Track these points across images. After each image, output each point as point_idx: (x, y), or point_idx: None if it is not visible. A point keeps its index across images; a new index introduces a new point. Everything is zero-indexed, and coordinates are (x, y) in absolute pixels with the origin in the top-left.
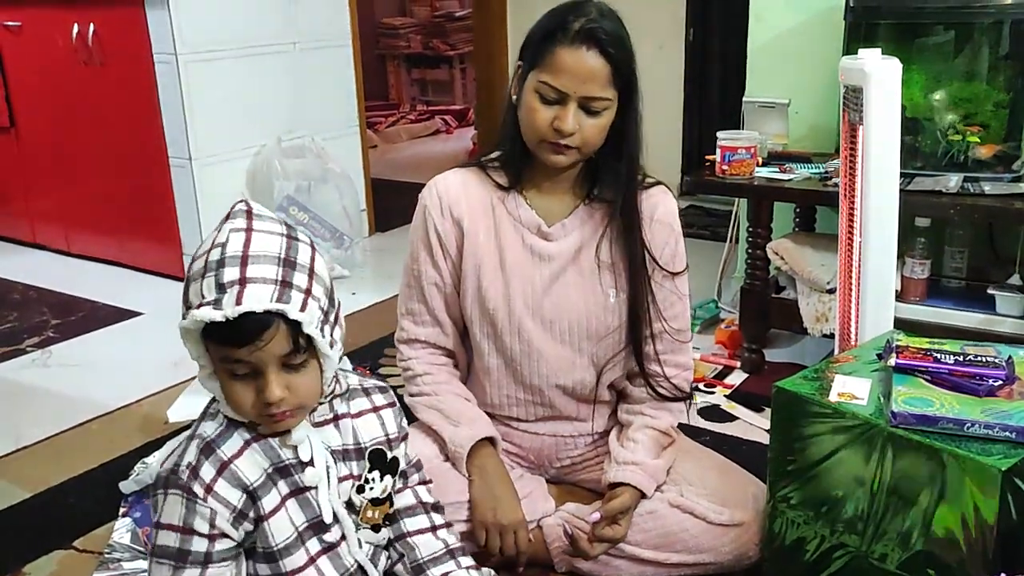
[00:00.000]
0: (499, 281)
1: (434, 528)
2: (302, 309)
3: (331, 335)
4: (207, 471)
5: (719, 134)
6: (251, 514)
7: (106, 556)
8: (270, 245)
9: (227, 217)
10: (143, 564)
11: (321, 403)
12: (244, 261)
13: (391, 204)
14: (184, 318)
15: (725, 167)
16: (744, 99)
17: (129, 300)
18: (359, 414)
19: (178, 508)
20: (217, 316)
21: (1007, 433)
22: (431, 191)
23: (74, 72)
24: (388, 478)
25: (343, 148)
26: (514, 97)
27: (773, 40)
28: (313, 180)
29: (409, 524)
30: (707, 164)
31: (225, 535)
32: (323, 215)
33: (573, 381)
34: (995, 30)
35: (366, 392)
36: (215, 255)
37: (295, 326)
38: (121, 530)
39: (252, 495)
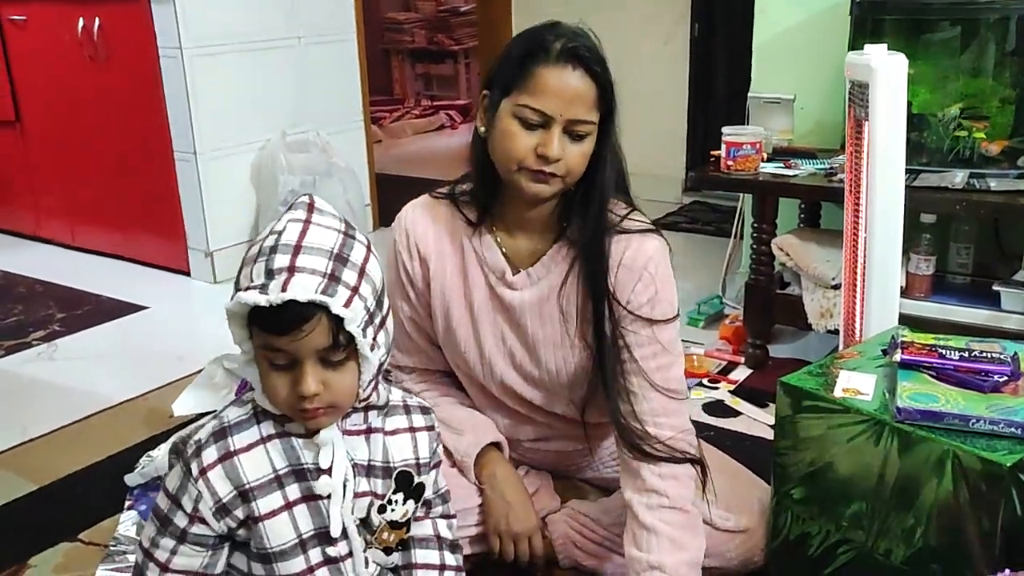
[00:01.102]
0: (467, 324)
1: (443, 567)
2: (346, 305)
3: (374, 338)
4: (209, 455)
5: (724, 129)
6: (239, 513)
7: (111, 548)
8: (325, 239)
9: (289, 208)
10: None
11: (356, 409)
12: (296, 250)
13: (395, 199)
14: (231, 299)
15: (730, 163)
16: (749, 94)
17: (134, 294)
18: (393, 432)
19: (176, 479)
20: (261, 301)
21: (1012, 429)
22: (399, 227)
23: (79, 66)
24: (411, 503)
25: (348, 143)
26: (481, 129)
27: (778, 35)
28: (318, 175)
29: (419, 555)
30: (712, 160)
31: (204, 521)
32: None
33: (557, 412)
34: (1001, 26)
35: (407, 410)
36: (270, 241)
37: (337, 322)
38: (126, 523)
39: (244, 494)
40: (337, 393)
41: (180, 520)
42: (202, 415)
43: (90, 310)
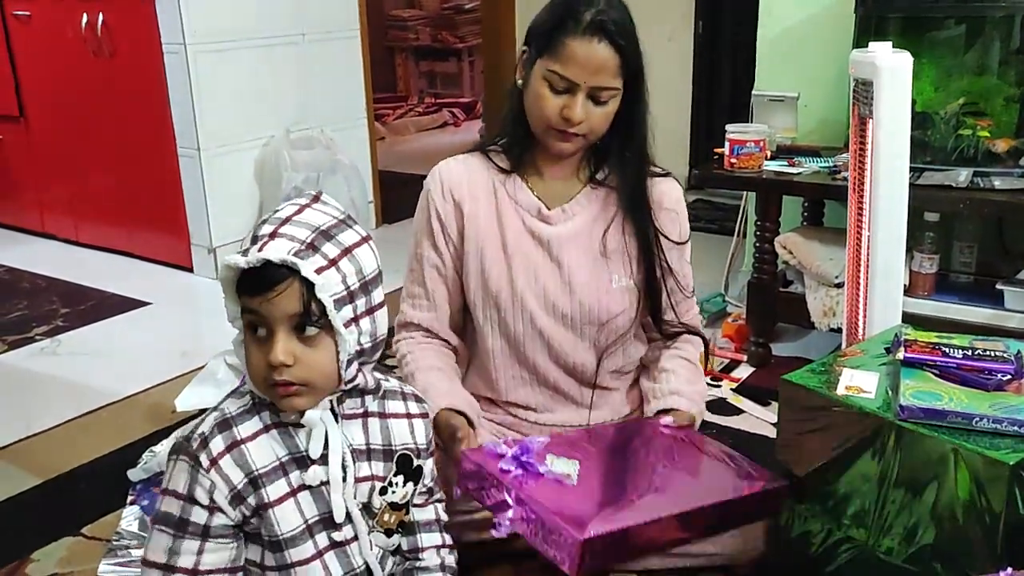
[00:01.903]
0: (501, 263)
1: (443, 546)
2: (318, 272)
3: (354, 319)
4: (217, 444)
5: (728, 127)
6: (251, 500)
7: (114, 543)
8: (316, 218)
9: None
10: None
11: (351, 394)
12: (284, 222)
13: (398, 196)
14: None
15: (734, 160)
16: (753, 92)
17: (137, 289)
18: (392, 415)
19: (184, 476)
20: (241, 262)
21: (1015, 427)
22: (434, 175)
23: (83, 62)
24: (410, 485)
25: (351, 140)
26: (519, 81)
27: (783, 33)
28: (321, 171)
29: (425, 539)
30: (715, 157)
31: (222, 511)
32: None
33: (575, 362)
34: (1006, 24)
35: (404, 397)
36: (265, 217)
37: (311, 290)
38: (129, 518)
39: (254, 481)
40: (311, 370)
41: (199, 516)
42: (204, 411)
43: (94, 305)
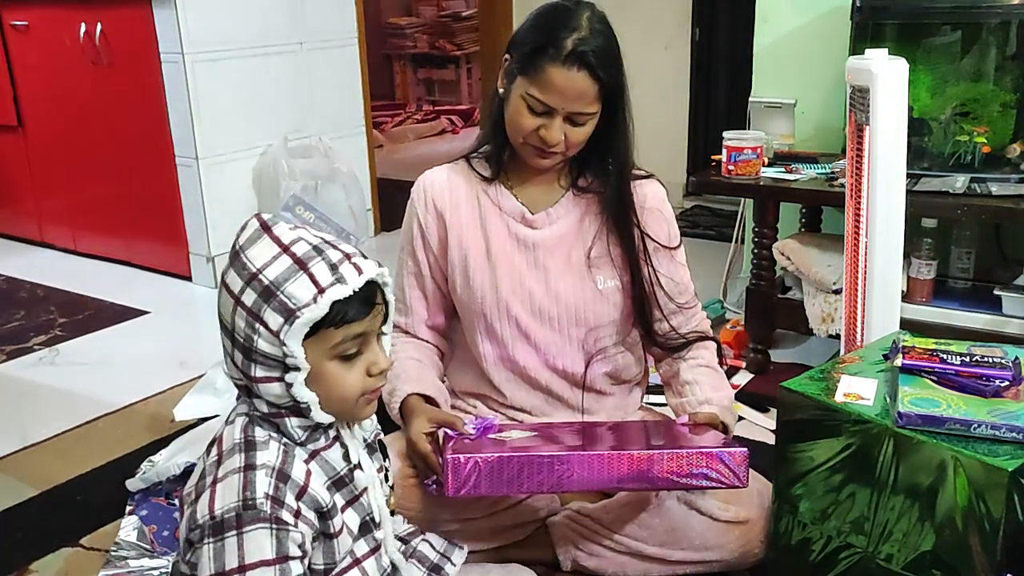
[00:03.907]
0: (486, 269)
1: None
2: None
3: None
4: (288, 497)
5: (725, 134)
6: (321, 534)
7: (113, 554)
8: (313, 235)
9: (251, 241)
10: (149, 562)
11: None
12: (326, 244)
13: (397, 204)
14: (291, 324)
15: (731, 167)
16: (750, 99)
17: (136, 299)
18: None
19: (268, 541)
20: (347, 291)
21: (1014, 434)
22: (417, 186)
23: (81, 71)
24: (388, 462)
25: (349, 148)
26: (501, 91)
27: (779, 40)
28: (320, 180)
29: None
30: (713, 164)
31: (307, 554)
32: (329, 214)
33: (563, 365)
34: (1002, 30)
35: None
36: (284, 261)
37: (383, 294)
38: (128, 528)
39: (323, 517)
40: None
41: (297, 569)
42: (203, 420)
43: (92, 315)
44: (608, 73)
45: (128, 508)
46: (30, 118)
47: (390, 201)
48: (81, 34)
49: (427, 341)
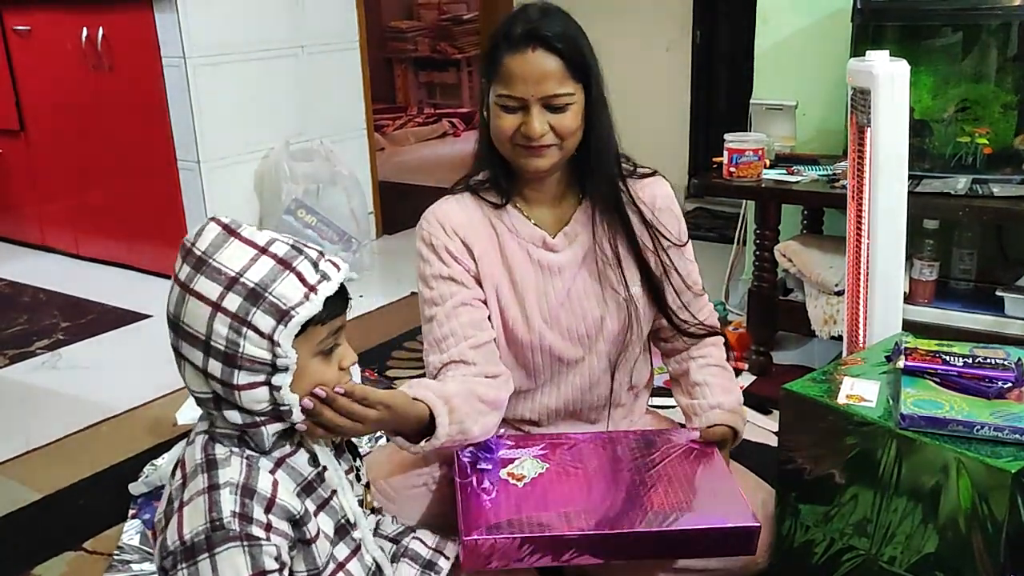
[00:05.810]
0: (514, 303)
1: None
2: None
3: None
4: (257, 511)
5: (726, 136)
6: (298, 541)
7: (115, 558)
8: (281, 235)
9: (218, 245)
10: (151, 566)
11: None
12: (298, 243)
13: (399, 207)
14: (285, 325)
15: (732, 169)
16: (751, 101)
17: (138, 302)
18: None
19: (242, 559)
20: (334, 287)
21: (1017, 435)
22: (430, 221)
23: (83, 76)
24: (359, 461)
25: (351, 151)
26: (485, 115)
27: (780, 42)
28: (321, 183)
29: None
30: (714, 166)
31: (286, 564)
32: (331, 218)
33: (591, 382)
34: (1003, 32)
35: None
36: (266, 263)
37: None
38: (130, 532)
39: (296, 524)
40: None
41: None
42: None
43: (94, 319)
44: (568, 46)
45: (131, 512)
46: (32, 122)
47: (391, 204)
48: (83, 38)
49: (495, 376)
